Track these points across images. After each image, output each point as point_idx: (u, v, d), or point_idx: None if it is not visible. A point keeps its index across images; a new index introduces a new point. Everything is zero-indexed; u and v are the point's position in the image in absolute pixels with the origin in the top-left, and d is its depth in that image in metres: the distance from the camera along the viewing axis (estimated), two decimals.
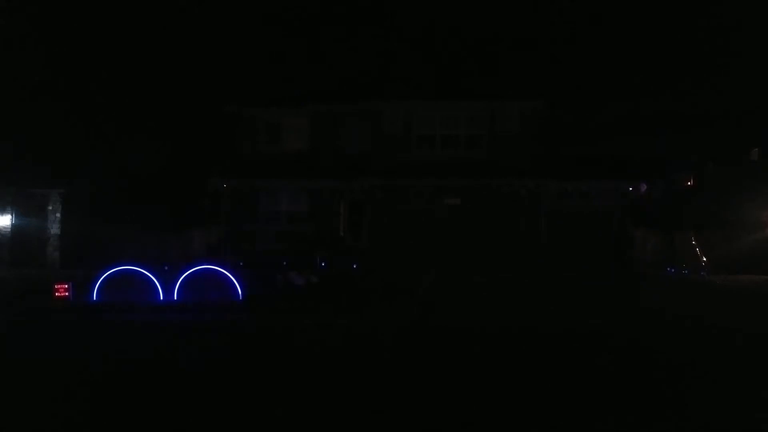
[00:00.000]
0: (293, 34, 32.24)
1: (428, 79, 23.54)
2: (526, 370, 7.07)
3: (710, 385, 6.35)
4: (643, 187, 19.40)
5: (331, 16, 33.77)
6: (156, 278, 12.21)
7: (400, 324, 10.28)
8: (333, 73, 23.65)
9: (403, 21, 32.66)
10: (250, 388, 6.41)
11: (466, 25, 32.17)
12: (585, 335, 9.35)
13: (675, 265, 19.27)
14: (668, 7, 30.99)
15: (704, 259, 18.84)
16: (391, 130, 20.02)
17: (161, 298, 12.11)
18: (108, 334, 9.57)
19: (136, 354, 8.13)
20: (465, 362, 7.54)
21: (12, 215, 19.71)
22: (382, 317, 10.83)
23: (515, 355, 8.03)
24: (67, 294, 12.15)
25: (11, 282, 15.62)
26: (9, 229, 19.63)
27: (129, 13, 30.68)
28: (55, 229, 20.04)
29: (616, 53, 28.57)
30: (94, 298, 12.09)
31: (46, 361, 7.64)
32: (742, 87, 24.83)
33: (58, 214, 20.09)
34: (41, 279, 15.56)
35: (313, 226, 19.46)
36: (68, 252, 19.82)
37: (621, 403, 5.77)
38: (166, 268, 13.00)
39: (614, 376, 6.77)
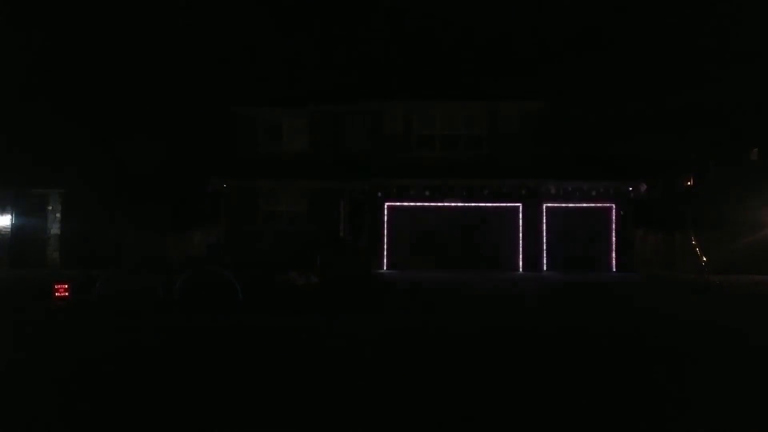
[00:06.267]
0: (293, 34, 32.21)
1: (428, 78, 23.57)
2: (521, 359, 7.11)
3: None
4: (643, 187, 19.42)
5: (331, 16, 33.76)
6: (156, 278, 12.20)
7: (401, 325, 10.28)
8: (333, 73, 23.67)
9: (404, 21, 32.66)
10: (251, 387, 6.41)
11: (466, 25, 32.18)
12: (578, 332, 9.35)
13: (675, 265, 19.29)
14: (668, 8, 31.00)
15: (704, 259, 18.85)
16: (391, 130, 20.04)
17: (161, 298, 12.10)
18: (108, 334, 9.57)
19: (135, 354, 8.13)
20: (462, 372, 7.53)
21: (12, 215, 19.70)
22: (384, 317, 10.83)
23: (513, 349, 8.04)
24: (67, 294, 12.16)
25: (11, 282, 15.61)
26: (9, 229, 19.62)
27: (130, 13, 30.69)
28: (55, 229, 20.04)
29: (616, 53, 28.57)
30: (94, 298, 12.09)
31: (46, 361, 7.65)
32: (742, 87, 24.82)
33: (58, 214, 20.09)
34: (41, 279, 15.56)
35: (313, 226, 19.47)
36: (68, 252, 19.82)
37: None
38: (165, 268, 12.98)
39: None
